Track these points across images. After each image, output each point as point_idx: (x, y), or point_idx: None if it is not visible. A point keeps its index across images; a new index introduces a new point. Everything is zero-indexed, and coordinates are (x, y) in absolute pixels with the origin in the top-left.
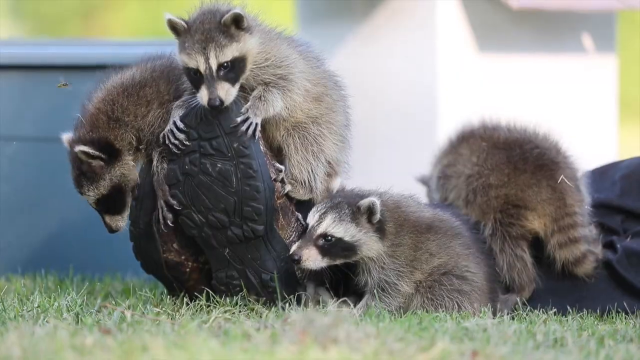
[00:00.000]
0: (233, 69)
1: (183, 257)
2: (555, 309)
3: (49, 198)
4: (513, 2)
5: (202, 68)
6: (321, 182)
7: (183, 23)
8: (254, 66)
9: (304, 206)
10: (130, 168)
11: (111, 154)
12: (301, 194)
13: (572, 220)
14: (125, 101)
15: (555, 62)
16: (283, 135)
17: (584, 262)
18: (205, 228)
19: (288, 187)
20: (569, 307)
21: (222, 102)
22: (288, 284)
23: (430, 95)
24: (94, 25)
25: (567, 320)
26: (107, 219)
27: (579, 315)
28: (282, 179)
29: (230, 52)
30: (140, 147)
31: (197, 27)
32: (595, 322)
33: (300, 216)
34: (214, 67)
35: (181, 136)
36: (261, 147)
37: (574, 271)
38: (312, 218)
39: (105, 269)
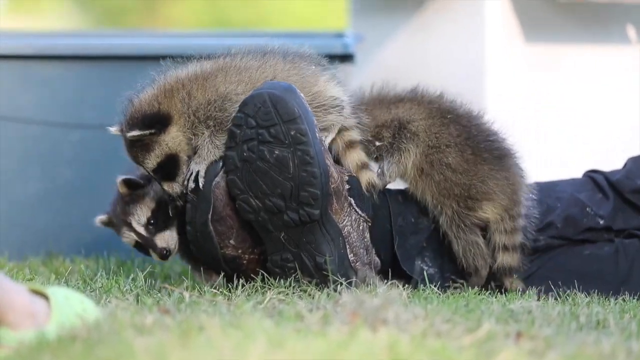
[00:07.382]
0: (157, 219)
1: (240, 251)
2: (598, 292)
3: (111, 182)
4: None
5: (139, 239)
6: None
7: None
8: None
9: (357, 193)
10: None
11: (163, 123)
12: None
13: (519, 209)
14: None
15: (599, 53)
16: None
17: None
18: (262, 212)
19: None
20: (612, 291)
21: (169, 251)
22: (341, 267)
23: (478, 86)
24: (157, 17)
25: (610, 302)
26: (165, 185)
27: (621, 298)
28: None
29: (143, 215)
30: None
31: (113, 210)
32: (638, 305)
33: (353, 201)
34: (143, 232)
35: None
36: (317, 135)
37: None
38: None
39: None
